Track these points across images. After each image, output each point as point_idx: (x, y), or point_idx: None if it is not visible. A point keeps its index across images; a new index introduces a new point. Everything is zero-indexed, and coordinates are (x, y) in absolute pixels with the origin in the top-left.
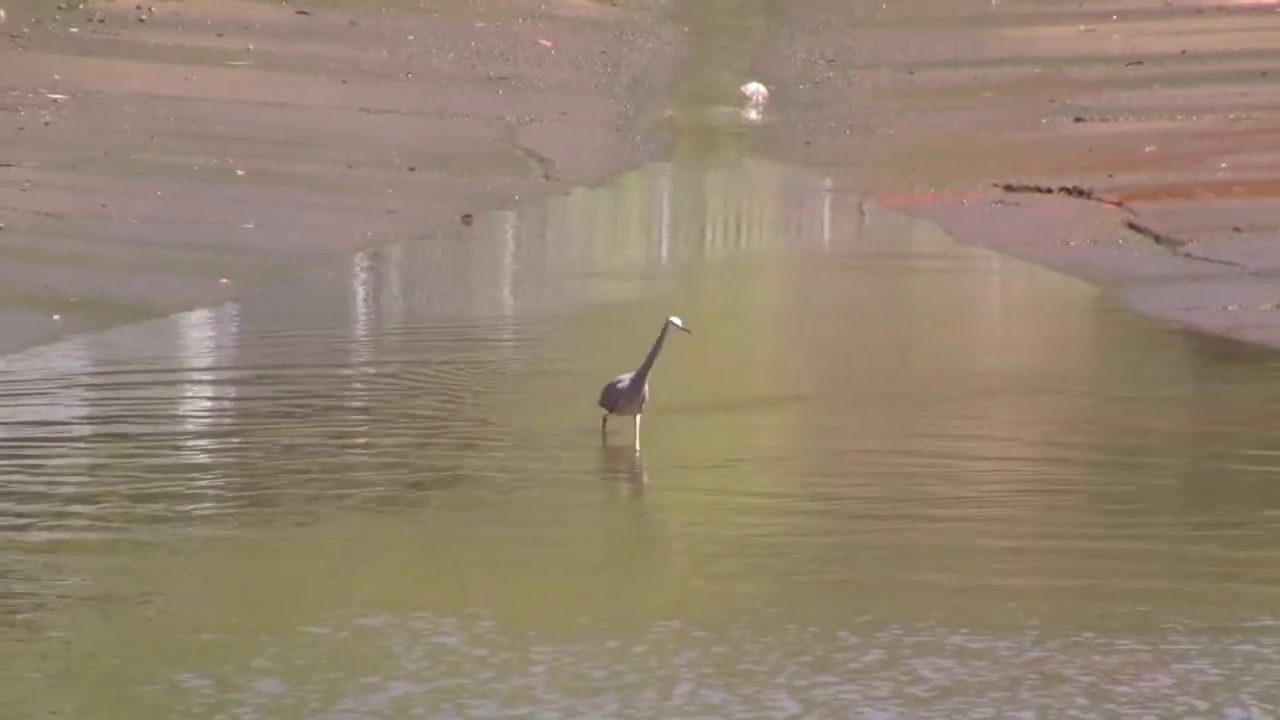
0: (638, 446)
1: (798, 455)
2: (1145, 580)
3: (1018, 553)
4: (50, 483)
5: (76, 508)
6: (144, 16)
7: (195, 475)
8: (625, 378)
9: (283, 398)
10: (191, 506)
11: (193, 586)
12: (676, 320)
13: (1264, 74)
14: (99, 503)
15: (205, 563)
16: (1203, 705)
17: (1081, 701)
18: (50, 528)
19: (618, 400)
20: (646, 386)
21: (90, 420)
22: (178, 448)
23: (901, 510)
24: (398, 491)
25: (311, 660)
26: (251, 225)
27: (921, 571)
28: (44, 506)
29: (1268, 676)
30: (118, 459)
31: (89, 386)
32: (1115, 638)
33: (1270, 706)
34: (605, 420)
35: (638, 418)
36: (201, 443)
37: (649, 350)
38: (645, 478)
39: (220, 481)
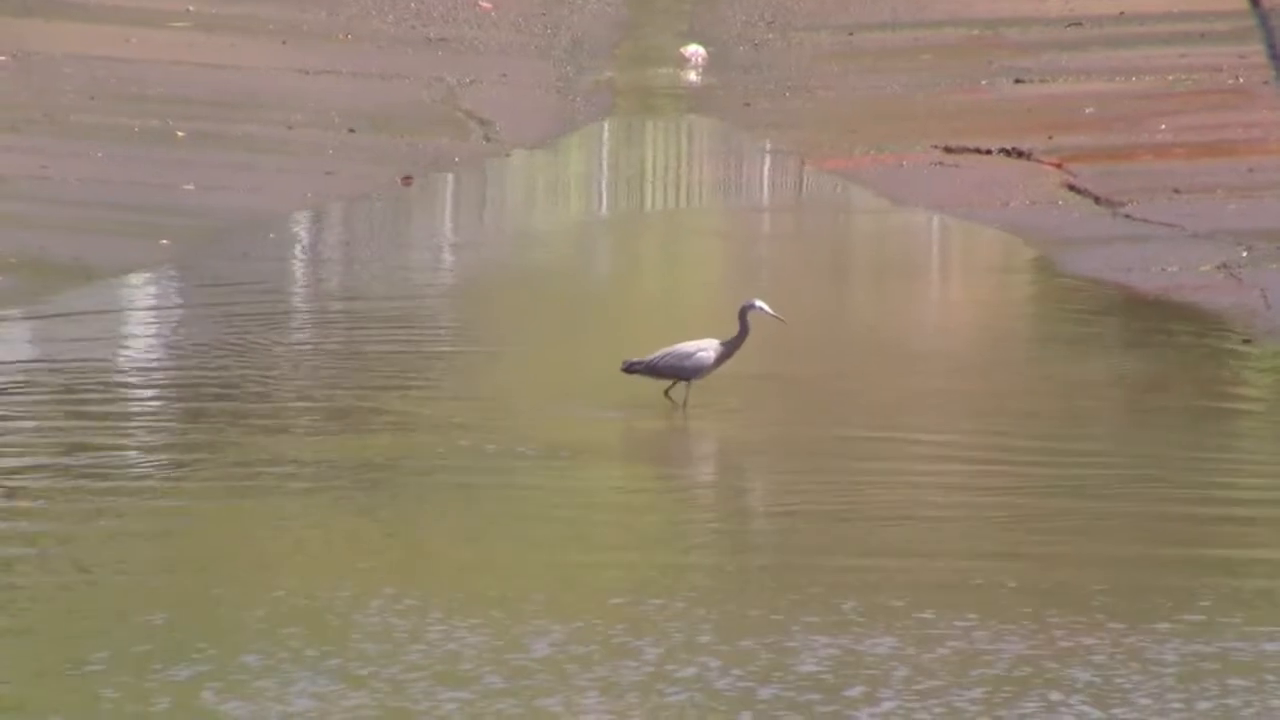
0: (686, 411)
1: (743, 435)
2: (1074, 544)
3: (951, 519)
4: None
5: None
6: None
7: (128, 445)
8: (707, 349)
9: (221, 366)
10: (126, 481)
11: (123, 556)
12: (764, 306)
13: (1203, 35)
14: (29, 472)
15: (136, 532)
16: (1134, 670)
17: (1016, 674)
18: None
19: (698, 372)
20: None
21: (24, 388)
22: (115, 414)
23: (841, 487)
24: (341, 463)
25: (252, 633)
26: (191, 186)
27: (866, 550)
28: None
29: (1196, 638)
30: (48, 426)
31: (24, 351)
32: (1047, 603)
33: (1196, 668)
34: (689, 387)
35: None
36: (138, 409)
37: (737, 334)
38: (585, 457)
39: (154, 450)
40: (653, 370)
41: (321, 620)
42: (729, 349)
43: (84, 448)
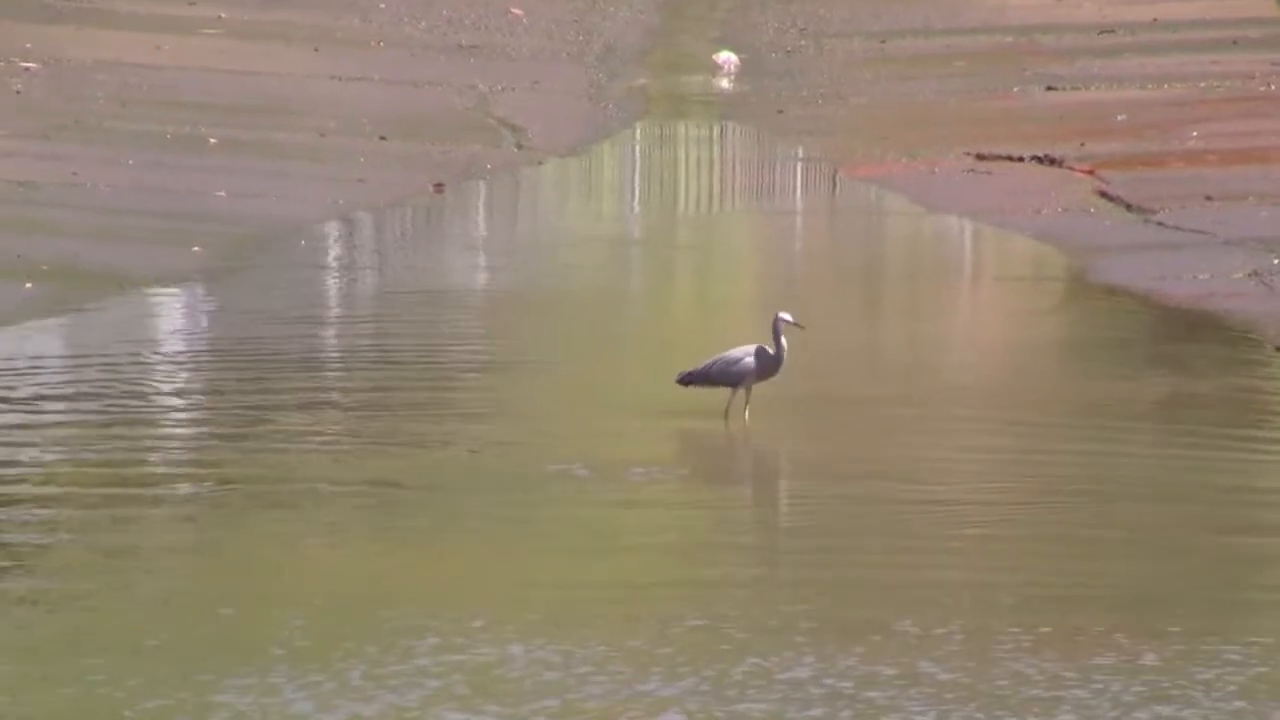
0: (746, 418)
1: (776, 451)
2: (1109, 556)
3: (985, 528)
4: (10, 460)
5: (30, 485)
6: None
7: (165, 454)
8: (749, 353)
9: (254, 375)
10: (149, 498)
11: (142, 570)
12: (786, 316)
13: (1235, 42)
14: (64, 480)
15: (155, 546)
16: (1169, 680)
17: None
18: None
19: (744, 378)
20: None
21: (60, 397)
22: (149, 425)
23: (875, 502)
24: (375, 476)
25: (281, 640)
26: (223, 193)
27: (879, 563)
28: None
29: (1223, 655)
30: (81, 435)
31: (59, 359)
32: (1079, 616)
33: (1221, 680)
34: (746, 395)
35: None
36: (165, 420)
37: (774, 346)
38: (605, 472)
39: (188, 462)
40: (707, 378)
41: (345, 640)
42: (771, 361)
43: (108, 458)
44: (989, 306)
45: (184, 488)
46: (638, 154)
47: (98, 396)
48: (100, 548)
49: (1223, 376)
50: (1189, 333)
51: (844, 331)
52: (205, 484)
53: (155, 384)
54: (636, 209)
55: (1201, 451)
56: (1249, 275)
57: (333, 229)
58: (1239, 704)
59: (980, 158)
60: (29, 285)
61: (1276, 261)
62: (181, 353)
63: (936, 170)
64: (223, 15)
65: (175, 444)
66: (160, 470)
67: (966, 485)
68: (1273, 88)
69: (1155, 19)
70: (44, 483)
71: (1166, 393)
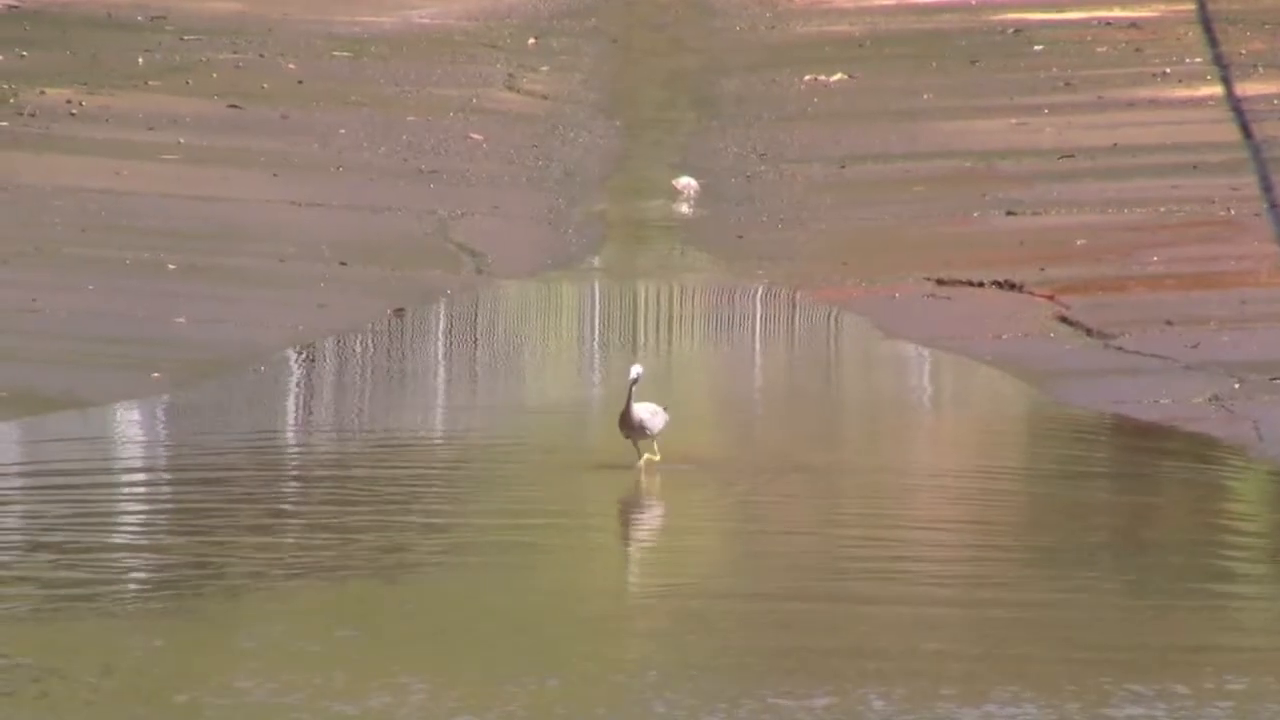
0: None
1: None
2: (1072, 680)
3: (934, 638)
4: None
5: None
6: (74, 110)
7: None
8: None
9: (214, 500)
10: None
11: (99, 685)
12: (635, 370)
13: (1195, 167)
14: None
15: (115, 656)
16: None
17: None
18: None
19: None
20: (645, 417)
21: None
22: (102, 550)
23: (820, 595)
24: (305, 603)
25: None
26: (183, 319)
27: (828, 650)
28: None
29: None
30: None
31: (19, 481)
32: None
33: None
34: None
35: (646, 442)
36: (126, 546)
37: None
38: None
39: (145, 583)
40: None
41: None
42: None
43: (64, 570)
44: (948, 432)
45: (119, 608)
46: (596, 279)
47: (38, 515)
48: (53, 664)
49: (1183, 502)
50: (1150, 458)
51: (802, 450)
52: (130, 606)
53: (100, 504)
54: (595, 335)
55: (1159, 570)
56: (1209, 400)
57: (293, 355)
58: None
59: (940, 283)
60: None
61: (1236, 386)
62: (132, 475)
63: (897, 296)
64: (182, 140)
65: (116, 566)
66: (95, 591)
67: (918, 606)
68: (1232, 212)
69: (1115, 143)
70: None
71: (1125, 518)
